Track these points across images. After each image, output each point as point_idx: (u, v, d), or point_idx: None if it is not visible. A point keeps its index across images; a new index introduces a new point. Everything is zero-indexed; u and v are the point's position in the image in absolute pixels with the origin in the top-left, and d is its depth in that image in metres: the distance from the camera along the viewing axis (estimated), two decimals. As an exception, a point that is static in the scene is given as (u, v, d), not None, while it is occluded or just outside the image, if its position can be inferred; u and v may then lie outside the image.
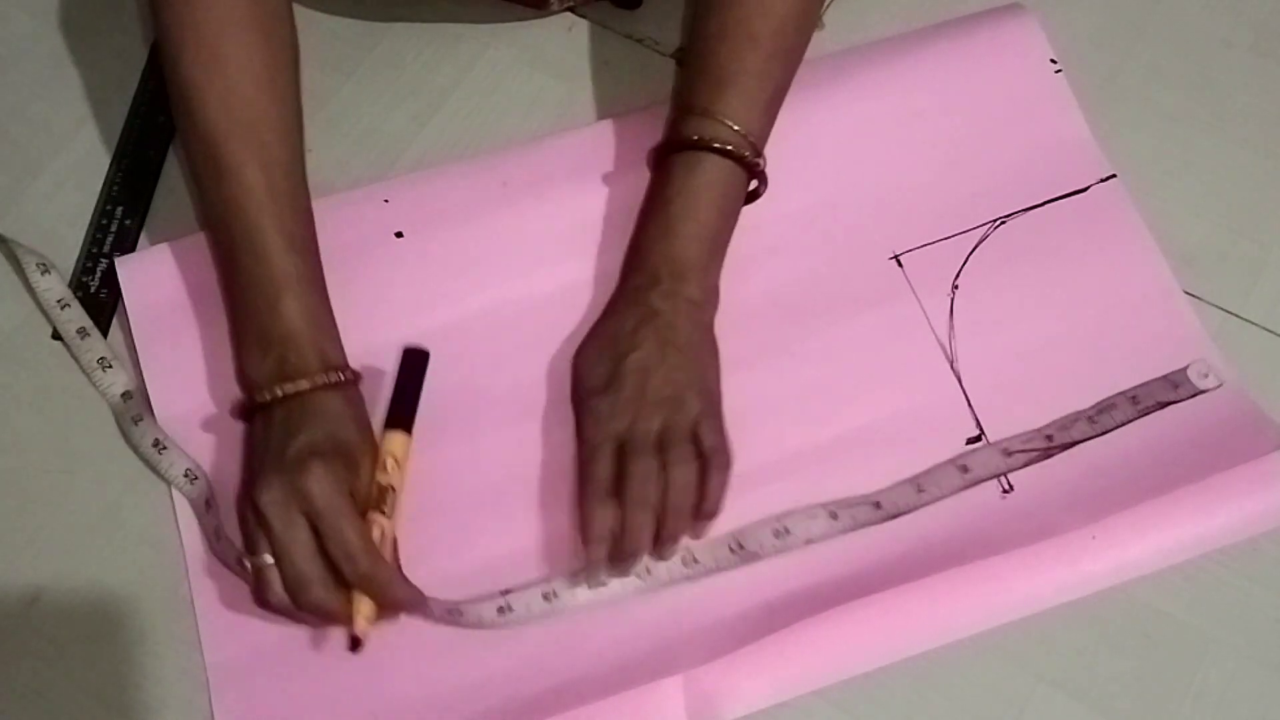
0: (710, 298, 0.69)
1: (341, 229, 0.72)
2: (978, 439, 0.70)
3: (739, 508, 0.66)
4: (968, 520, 0.67)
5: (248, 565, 0.63)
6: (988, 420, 0.70)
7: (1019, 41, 0.78)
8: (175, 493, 0.69)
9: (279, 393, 0.64)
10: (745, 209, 0.70)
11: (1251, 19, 0.81)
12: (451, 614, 0.65)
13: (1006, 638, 0.65)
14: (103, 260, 0.75)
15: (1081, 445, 0.69)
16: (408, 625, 0.65)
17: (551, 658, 0.65)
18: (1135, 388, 0.69)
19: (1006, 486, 0.68)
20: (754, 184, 0.70)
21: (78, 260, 0.75)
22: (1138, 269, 0.73)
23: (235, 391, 0.69)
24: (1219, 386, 0.69)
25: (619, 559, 0.64)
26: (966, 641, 0.65)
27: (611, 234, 0.73)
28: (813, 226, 0.74)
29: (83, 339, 0.73)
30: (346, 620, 0.62)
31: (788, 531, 0.66)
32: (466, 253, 0.73)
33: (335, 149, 0.78)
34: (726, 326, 0.69)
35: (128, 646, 0.67)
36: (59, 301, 0.74)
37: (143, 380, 0.71)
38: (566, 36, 0.81)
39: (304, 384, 0.64)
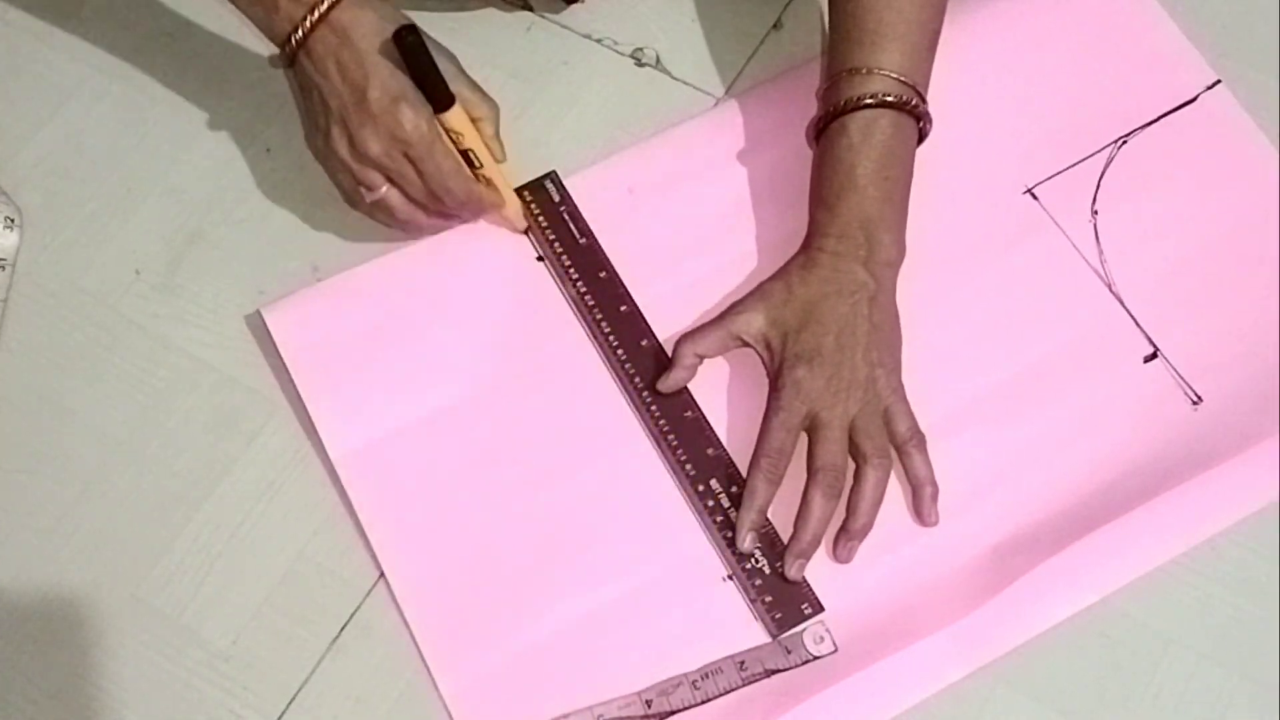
0: (902, 253, 0.69)
1: (484, 256, 0.73)
2: (1153, 356, 0.70)
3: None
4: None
5: (366, 200, 0.69)
6: (1160, 337, 0.71)
7: None
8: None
9: (313, 18, 0.66)
10: None
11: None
12: None
13: (961, 638, 0.65)
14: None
15: None
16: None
17: None
18: (744, 652, 0.65)
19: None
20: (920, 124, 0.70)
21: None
22: (1260, 171, 0.74)
23: (405, 414, 0.70)
24: (834, 652, 0.65)
25: (797, 551, 0.65)
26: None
27: (744, 216, 0.74)
28: (941, 172, 0.73)
29: None
30: (492, 205, 0.71)
31: None
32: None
33: (297, 150, 0.77)
34: None
35: (85, 648, 0.67)
36: (1, 260, 0.73)
37: (311, 422, 0.70)
38: (525, 36, 0.81)
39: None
